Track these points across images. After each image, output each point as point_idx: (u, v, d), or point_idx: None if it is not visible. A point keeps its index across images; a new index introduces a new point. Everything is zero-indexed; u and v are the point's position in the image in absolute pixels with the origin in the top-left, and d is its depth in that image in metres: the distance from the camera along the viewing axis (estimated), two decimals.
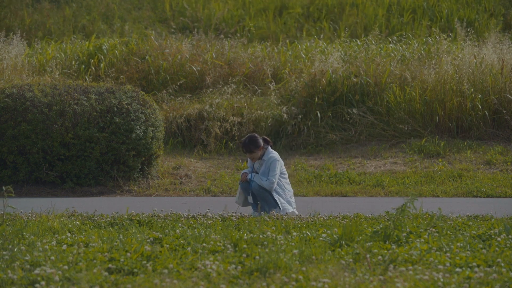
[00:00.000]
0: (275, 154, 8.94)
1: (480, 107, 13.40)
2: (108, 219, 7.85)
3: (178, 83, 14.45)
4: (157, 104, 13.09)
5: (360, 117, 13.66)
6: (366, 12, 18.35)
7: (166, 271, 5.34)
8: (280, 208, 8.79)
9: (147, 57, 14.82)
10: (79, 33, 18.04)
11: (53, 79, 13.75)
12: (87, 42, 15.53)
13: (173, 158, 12.78)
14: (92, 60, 14.90)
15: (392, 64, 14.30)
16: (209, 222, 7.66)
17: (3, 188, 6.55)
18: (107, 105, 11.45)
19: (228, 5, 19.11)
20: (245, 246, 6.04)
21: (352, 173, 12.06)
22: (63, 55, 15.15)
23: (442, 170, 12.05)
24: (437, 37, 15.58)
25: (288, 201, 8.93)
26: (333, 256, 5.81)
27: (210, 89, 14.37)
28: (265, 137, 9.09)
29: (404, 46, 15.58)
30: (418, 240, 6.29)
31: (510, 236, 6.39)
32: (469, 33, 15.26)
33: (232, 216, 8.07)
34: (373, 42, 15.58)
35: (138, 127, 11.46)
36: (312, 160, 13.00)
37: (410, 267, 5.39)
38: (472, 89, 13.50)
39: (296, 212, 8.89)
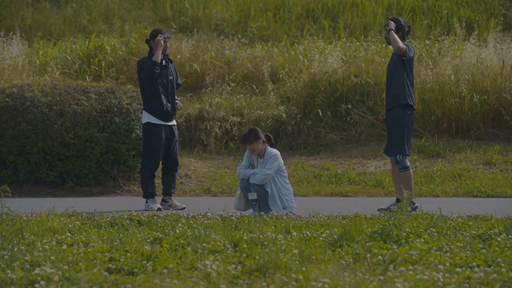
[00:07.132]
0: (275, 151, 8.88)
1: (480, 107, 13.39)
2: (108, 219, 7.85)
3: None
4: None
5: (360, 117, 13.66)
6: (366, 12, 18.34)
7: (166, 271, 5.34)
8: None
9: None
10: (79, 33, 18.03)
11: (53, 79, 13.74)
12: (87, 42, 15.52)
13: None
14: (92, 60, 14.89)
15: None
16: (209, 222, 7.66)
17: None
18: (107, 105, 11.45)
19: (228, 4, 19.09)
20: (245, 246, 6.04)
21: (352, 173, 12.05)
22: (63, 54, 15.14)
23: (442, 170, 12.05)
24: (439, 39, 15.56)
25: (281, 199, 8.80)
26: (333, 256, 5.81)
27: (209, 89, 14.37)
28: (268, 134, 9.04)
29: None
30: (418, 240, 6.28)
31: (510, 236, 6.39)
32: (472, 34, 15.22)
33: (232, 216, 8.07)
34: (373, 42, 15.56)
35: (138, 127, 11.47)
36: (312, 160, 13.00)
37: (410, 267, 5.39)
38: (472, 89, 13.49)
39: (295, 212, 8.81)
